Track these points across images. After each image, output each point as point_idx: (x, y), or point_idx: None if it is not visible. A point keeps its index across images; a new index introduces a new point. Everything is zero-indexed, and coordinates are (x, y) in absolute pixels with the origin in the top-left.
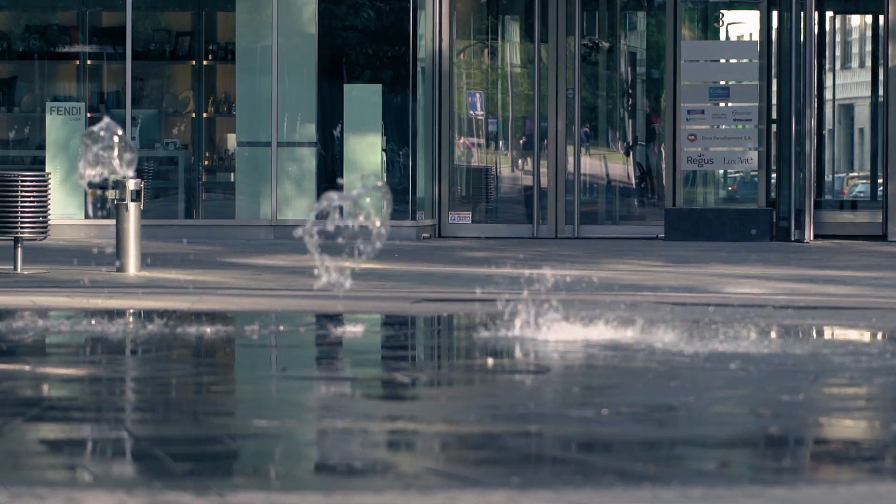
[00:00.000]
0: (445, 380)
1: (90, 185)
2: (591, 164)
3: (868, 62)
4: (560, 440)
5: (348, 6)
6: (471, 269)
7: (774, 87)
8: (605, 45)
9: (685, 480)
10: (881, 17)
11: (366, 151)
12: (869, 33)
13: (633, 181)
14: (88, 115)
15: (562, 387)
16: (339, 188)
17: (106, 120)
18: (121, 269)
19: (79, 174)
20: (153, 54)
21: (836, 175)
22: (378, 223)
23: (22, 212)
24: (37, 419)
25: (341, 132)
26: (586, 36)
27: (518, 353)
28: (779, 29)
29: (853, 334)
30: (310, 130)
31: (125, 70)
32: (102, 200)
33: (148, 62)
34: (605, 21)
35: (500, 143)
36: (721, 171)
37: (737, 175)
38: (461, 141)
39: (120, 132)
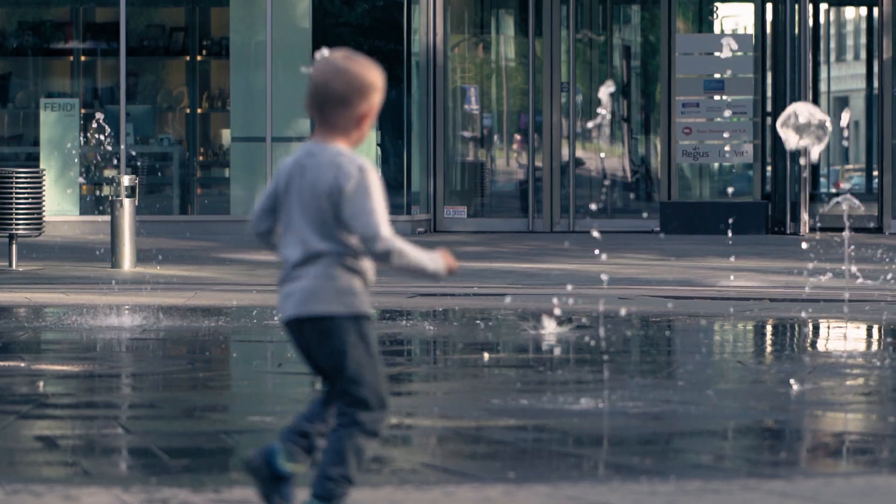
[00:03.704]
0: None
1: None
2: (586, 157)
3: (863, 54)
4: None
5: (342, 1)
6: (466, 263)
7: (769, 80)
8: (600, 38)
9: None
10: (875, 10)
11: (360, 146)
12: (863, 25)
13: (629, 174)
14: (83, 111)
15: None
16: None
17: None
18: (116, 265)
19: None
20: (147, 50)
21: (831, 168)
22: None
23: (17, 208)
24: (32, 416)
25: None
26: (581, 30)
27: None
28: (773, 21)
29: (850, 327)
30: (304, 125)
31: (119, 66)
32: None
33: (142, 58)
34: (600, 15)
35: (495, 137)
36: (716, 165)
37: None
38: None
39: None
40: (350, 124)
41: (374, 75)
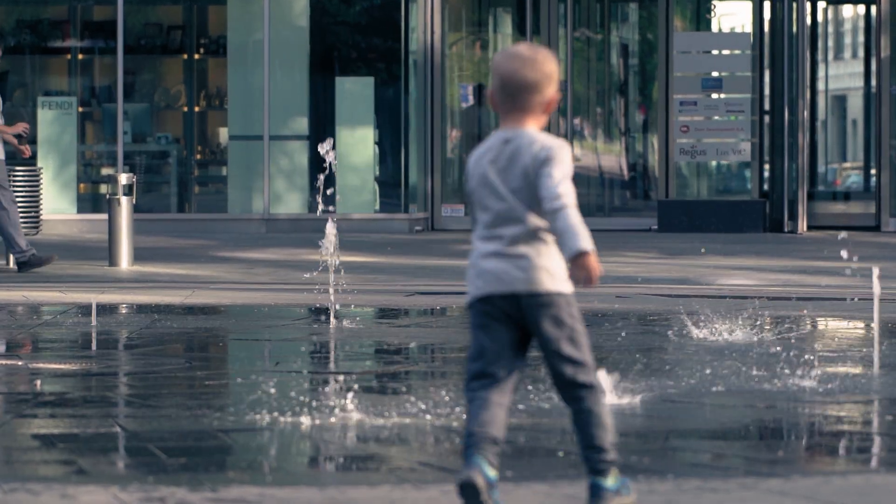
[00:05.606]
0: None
1: None
2: (584, 156)
3: (861, 53)
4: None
5: None
6: (464, 262)
7: (767, 78)
8: (597, 37)
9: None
10: (874, 8)
11: (358, 145)
12: (861, 24)
13: (626, 173)
14: (80, 109)
15: None
16: (333, 181)
17: None
18: (113, 263)
19: None
20: (145, 48)
21: (828, 166)
22: None
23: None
24: (30, 414)
25: (333, 126)
26: (578, 28)
27: None
28: (771, 20)
29: (848, 325)
30: (302, 124)
31: (117, 64)
32: None
33: (139, 56)
34: (597, 13)
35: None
36: (714, 163)
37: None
38: (453, 134)
39: None
40: (539, 109)
41: (555, 64)
